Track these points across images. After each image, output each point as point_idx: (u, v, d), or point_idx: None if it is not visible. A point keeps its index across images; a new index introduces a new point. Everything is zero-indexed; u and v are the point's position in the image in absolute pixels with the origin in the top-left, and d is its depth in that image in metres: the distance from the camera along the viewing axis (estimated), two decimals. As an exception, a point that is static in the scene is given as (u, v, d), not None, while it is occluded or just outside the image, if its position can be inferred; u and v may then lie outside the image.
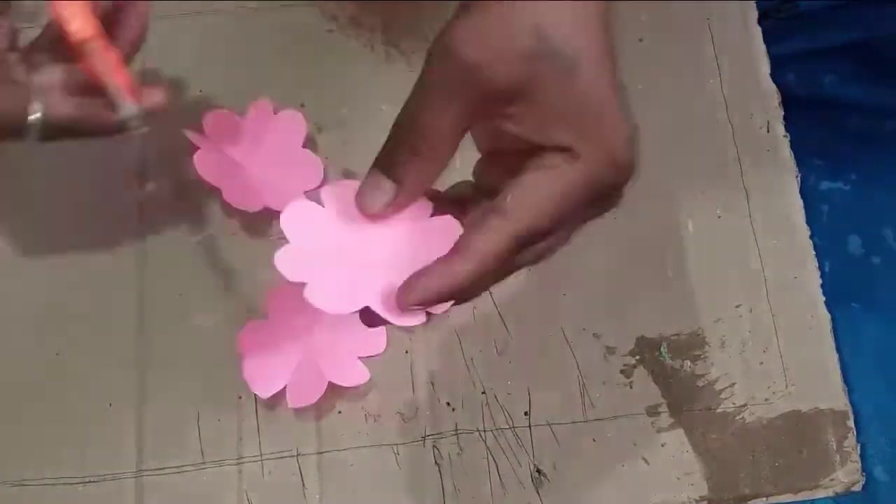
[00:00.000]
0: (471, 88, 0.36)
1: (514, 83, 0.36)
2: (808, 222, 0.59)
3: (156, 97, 0.48)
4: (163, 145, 0.61)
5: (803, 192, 0.60)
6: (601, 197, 0.39)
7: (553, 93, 0.36)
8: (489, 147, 0.41)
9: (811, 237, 0.59)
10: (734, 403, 0.55)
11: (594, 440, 0.55)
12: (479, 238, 0.37)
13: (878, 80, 0.68)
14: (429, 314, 0.39)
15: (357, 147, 0.61)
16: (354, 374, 0.55)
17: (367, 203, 0.39)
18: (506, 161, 0.38)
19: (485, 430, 0.55)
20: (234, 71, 0.62)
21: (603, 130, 0.37)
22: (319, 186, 0.52)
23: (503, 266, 0.38)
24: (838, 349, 0.57)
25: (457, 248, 0.38)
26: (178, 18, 0.64)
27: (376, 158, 0.39)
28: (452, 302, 0.39)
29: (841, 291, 0.61)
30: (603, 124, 0.37)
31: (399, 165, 0.38)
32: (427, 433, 0.55)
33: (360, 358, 0.55)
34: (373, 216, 0.39)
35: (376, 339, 0.56)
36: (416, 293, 0.38)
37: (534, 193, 0.37)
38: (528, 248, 0.39)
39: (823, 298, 0.57)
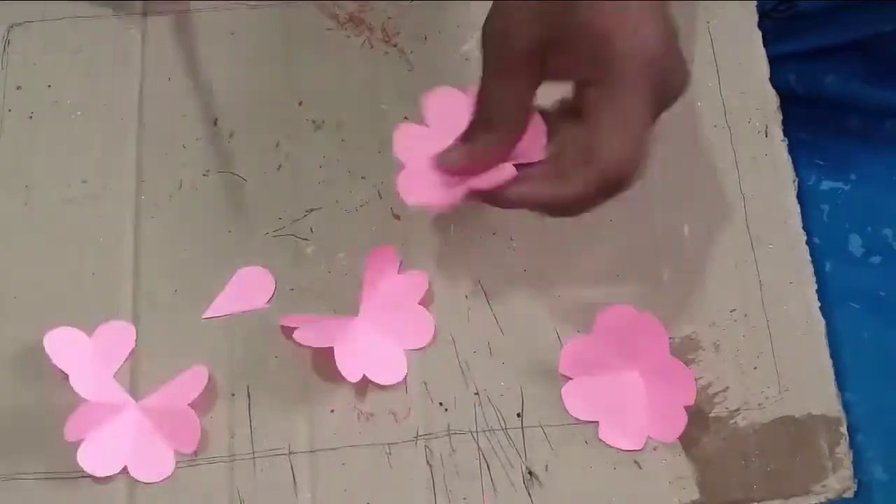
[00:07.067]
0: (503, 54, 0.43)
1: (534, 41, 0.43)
2: (808, 222, 0.59)
3: None
4: (162, 142, 0.61)
5: (803, 192, 0.60)
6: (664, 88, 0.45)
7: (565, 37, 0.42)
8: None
9: (811, 237, 0.59)
10: (727, 408, 0.55)
11: (586, 442, 0.55)
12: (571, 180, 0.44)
13: (878, 80, 0.68)
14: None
15: (356, 146, 0.61)
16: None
17: (440, 158, 0.47)
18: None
19: (477, 431, 0.55)
20: (232, 69, 0.62)
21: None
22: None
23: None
24: (838, 349, 0.56)
25: (558, 173, 0.45)
26: (175, 16, 0.63)
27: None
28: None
29: (841, 291, 0.61)
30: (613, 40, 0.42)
31: (473, 133, 0.46)
32: (419, 433, 0.55)
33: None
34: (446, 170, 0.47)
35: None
36: (517, 193, 0.46)
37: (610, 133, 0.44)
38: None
39: (819, 304, 0.57)
